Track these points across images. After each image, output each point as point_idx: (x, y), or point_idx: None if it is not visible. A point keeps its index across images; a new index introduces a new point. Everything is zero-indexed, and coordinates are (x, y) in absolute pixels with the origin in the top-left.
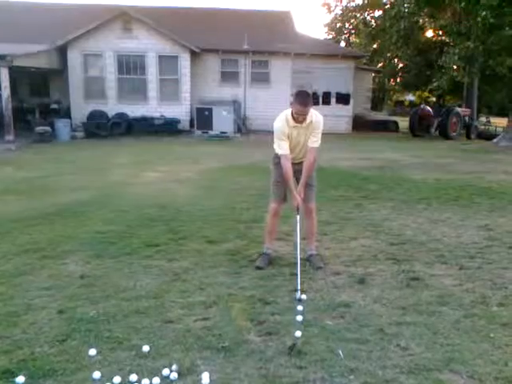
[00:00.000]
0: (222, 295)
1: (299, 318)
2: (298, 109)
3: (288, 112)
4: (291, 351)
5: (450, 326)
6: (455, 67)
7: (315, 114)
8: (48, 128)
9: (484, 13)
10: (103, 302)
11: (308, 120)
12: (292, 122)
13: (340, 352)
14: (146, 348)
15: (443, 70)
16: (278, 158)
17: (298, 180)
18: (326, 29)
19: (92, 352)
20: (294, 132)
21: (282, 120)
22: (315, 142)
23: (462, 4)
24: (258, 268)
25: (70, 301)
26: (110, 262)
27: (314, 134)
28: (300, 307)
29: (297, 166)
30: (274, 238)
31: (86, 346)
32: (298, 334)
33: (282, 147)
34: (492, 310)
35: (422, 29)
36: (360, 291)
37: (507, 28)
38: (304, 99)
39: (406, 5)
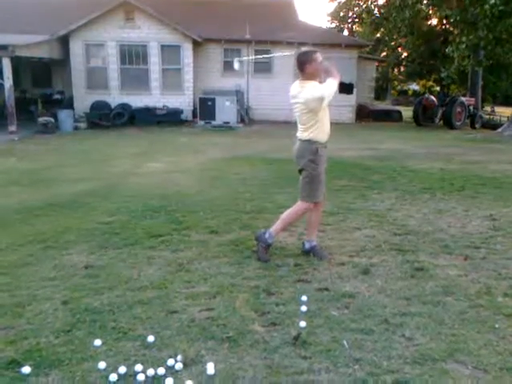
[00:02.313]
0: (225, 285)
1: (304, 308)
2: (318, 67)
3: (315, 83)
4: (296, 341)
5: (454, 316)
6: (462, 56)
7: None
8: (51, 119)
9: (493, 0)
10: (108, 292)
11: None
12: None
13: (345, 342)
14: (150, 338)
15: (451, 59)
16: (318, 145)
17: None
18: (329, 18)
19: (97, 342)
20: None
21: (316, 85)
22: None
23: None
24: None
25: (75, 291)
26: (114, 253)
27: None
28: (304, 297)
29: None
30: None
31: (91, 337)
32: (303, 324)
33: (329, 84)
34: (497, 301)
35: (426, 17)
36: (364, 281)
37: None
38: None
39: None
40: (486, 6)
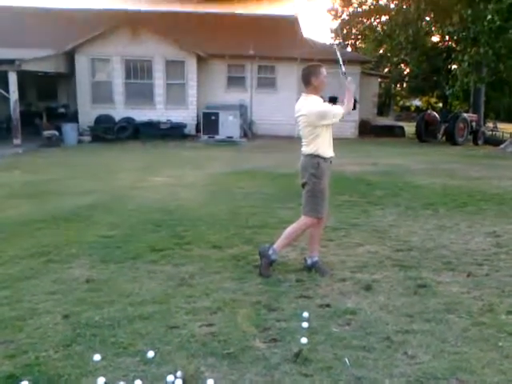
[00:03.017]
0: (227, 301)
1: (305, 324)
2: (324, 80)
3: (314, 97)
4: (297, 358)
5: (457, 334)
6: (465, 73)
7: None
8: (55, 132)
9: (490, 16)
10: (108, 306)
11: None
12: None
13: (347, 360)
14: (150, 354)
15: (454, 76)
16: (321, 161)
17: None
18: (334, 34)
19: (97, 357)
20: None
21: (319, 100)
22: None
23: (469, 11)
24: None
25: (76, 305)
26: (116, 267)
27: None
28: (306, 314)
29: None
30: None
31: (90, 352)
32: (304, 340)
33: (337, 108)
34: (500, 319)
35: (429, 34)
36: (366, 298)
37: None
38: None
39: (412, 11)
40: (485, 23)
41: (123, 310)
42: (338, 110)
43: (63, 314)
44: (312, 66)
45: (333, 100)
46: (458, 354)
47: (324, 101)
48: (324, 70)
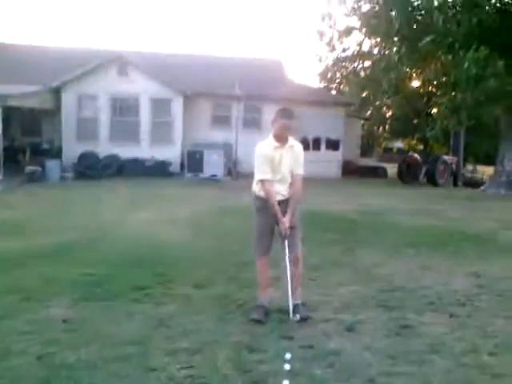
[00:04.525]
0: (207, 342)
1: (287, 366)
2: (283, 123)
3: (268, 138)
4: None
5: (441, 376)
6: (445, 116)
7: (296, 141)
8: (38, 168)
9: (467, 64)
10: (85, 347)
11: (290, 143)
12: (274, 143)
13: None
14: None
15: (434, 119)
16: (259, 200)
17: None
18: (319, 78)
19: None
20: (276, 155)
21: (263, 144)
22: (300, 169)
23: (450, 57)
24: (256, 321)
25: (50, 346)
26: (95, 306)
27: (297, 160)
28: (288, 355)
29: (282, 207)
30: (267, 288)
31: None
32: (286, 383)
33: (265, 171)
34: (483, 359)
35: (410, 79)
36: (350, 338)
37: (493, 78)
38: (289, 113)
39: (394, 56)
40: (462, 70)
41: (100, 351)
42: (259, 174)
43: (37, 355)
44: (279, 109)
45: (333, 144)
46: None
47: (307, 142)
48: (283, 117)
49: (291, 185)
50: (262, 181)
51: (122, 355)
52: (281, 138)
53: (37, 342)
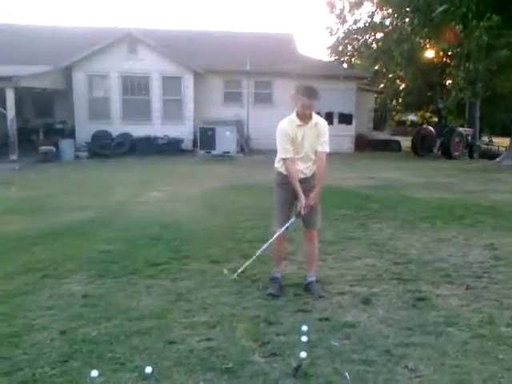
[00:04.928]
0: (225, 315)
1: (304, 338)
2: (306, 102)
3: (291, 115)
4: (296, 373)
5: (457, 347)
6: (460, 88)
7: (321, 118)
8: (52, 148)
9: (478, 33)
10: (105, 322)
11: (314, 120)
12: (297, 121)
13: (347, 374)
14: (148, 369)
15: (449, 91)
16: (281, 176)
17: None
18: (329, 51)
19: (94, 373)
20: (299, 133)
21: (286, 121)
22: (325, 146)
23: (461, 26)
24: (273, 295)
25: (72, 321)
26: (113, 282)
27: (321, 138)
28: (305, 327)
29: (304, 185)
30: (282, 261)
31: (87, 368)
32: (303, 355)
33: (286, 150)
34: (500, 331)
35: (424, 50)
36: (365, 311)
37: (505, 49)
38: (313, 91)
39: (407, 27)
40: (473, 39)
41: (120, 326)
42: (281, 152)
43: (60, 330)
44: (304, 87)
45: (346, 118)
46: (458, 368)
47: (321, 116)
48: (309, 97)
49: (315, 162)
50: (284, 159)
51: (142, 329)
52: (304, 117)
53: (59, 318)
